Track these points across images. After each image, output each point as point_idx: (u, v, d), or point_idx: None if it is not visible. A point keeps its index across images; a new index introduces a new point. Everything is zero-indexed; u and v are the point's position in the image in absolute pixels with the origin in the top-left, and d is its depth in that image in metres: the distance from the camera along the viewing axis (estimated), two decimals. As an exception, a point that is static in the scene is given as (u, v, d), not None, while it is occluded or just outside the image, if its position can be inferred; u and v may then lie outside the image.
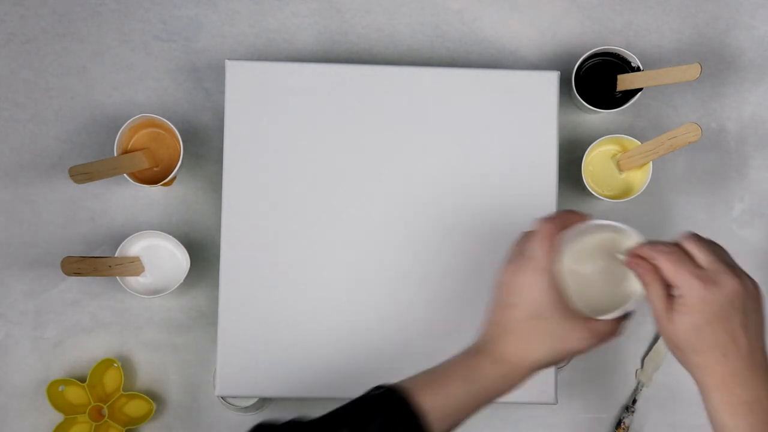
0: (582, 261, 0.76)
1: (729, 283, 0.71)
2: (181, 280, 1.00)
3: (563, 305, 0.73)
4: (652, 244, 0.73)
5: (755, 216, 1.09)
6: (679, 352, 0.72)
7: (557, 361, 0.75)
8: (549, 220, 0.74)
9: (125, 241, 1.01)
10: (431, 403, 0.71)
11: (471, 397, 0.73)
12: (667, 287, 0.71)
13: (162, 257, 1.02)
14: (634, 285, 0.75)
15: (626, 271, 0.75)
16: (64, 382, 1.03)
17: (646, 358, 1.07)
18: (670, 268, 0.71)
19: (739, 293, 0.71)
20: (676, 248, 0.72)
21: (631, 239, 0.75)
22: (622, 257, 0.75)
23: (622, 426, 1.06)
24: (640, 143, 1.01)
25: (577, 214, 0.76)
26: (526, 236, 0.75)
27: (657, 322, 0.72)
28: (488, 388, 0.74)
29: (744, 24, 1.10)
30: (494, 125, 0.98)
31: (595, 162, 1.05)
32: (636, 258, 0.73)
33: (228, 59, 0.98)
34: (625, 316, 0.75)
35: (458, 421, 0.73)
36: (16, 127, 1.07)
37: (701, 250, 0.73)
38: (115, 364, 1.04)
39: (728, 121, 1.10)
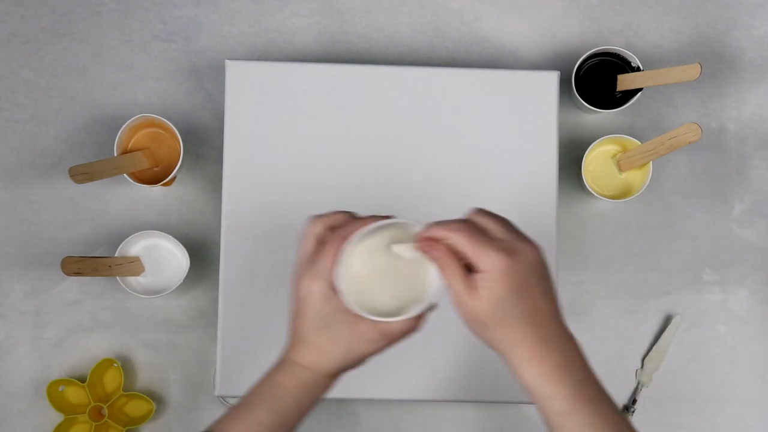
0: (364, 266, 0.74)
1: (527, 251, 0.69)
2: (181, 280, 1.00)
3: (346, 312, 0.72)
4: (443, 223, 0.70)
5: (755, 216, 1.09)
6: (484, 329, 0.70)
7: (355, 364, 0.75)
8: (324, 222, 0.73)
9: (125, 241, 1.01)
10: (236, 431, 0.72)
11: (279, 413, 0.73)
12: (464, 265, 0.69)
13: (162, 257, 1.02)
14: (420, 282, 0.74)
15: (411, 270, 0.73)
16: (64, 382, 1.03)
17: (646, 358, 1.07)
18: (467, 243, 0.68)
19: (539, 260, 0.70)
20: (470, 223, 0.70)
21: (415, 230, 0.72)
22: (407, 252, 0.72)
23: (622, 426, 1.06)
24: (640, 143, 1.01)
25: (360, 220, 0.73)
26: (305, 237, 0.74)
27: (458, 303, 0.70)
28: (293, 401, 0.74)
29: (744, 24, 1.10)
30: (494, 125, 0.98)
31: (595, 162, 1.05)
32: (427, 240, 0.70)
33: (228, 59, 0.98)
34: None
35: None
36: (16, 127, 1.07)
37: (493, 223, 0.71)
38: (115, 364, 1.04)
39: (728, 121, 1.10)
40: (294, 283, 0.75)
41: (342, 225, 0.73)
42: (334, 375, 0.75)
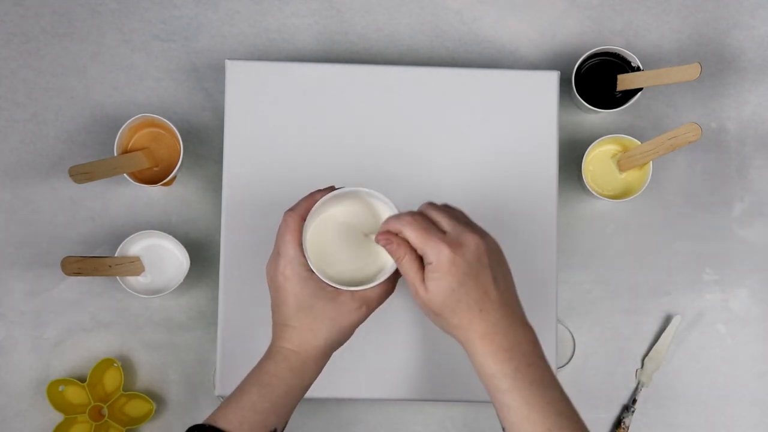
0: (327, 238, 0.78)
1: (473, 242, 0.73)
2: (181, 280, 1.00)
3: (324, 289, 0.76)
4: (397, 217, 0.75)
5: (755, 216, 1.09)
6: (438, 317, 0.74)
7: (342, 338, 0.78)
8: (291, 210, 0.77)
9: (125, 241, 1.01)
10: (232, 418, 0.74)
11: (270, 399, 0.76)
12: (419, 257, 0.73)
13: (162, 257, 1.02)
14: (383, 251, 0.78)
15: (372, 235, 0.78)
16: (64, 382, 1.03)
17: (646, 358, 1.07)
18: (417, 238, 0.73)
19: (484, 250, 0.74)
20: (421, 217, 0.74)
21: (363, 198, 0.78)
22: (370, 236, 0.77)
23: (622, 426, 1.06)
24: (640, 143, 1.01)
25: (318, 192, 0.78)
26: (279, 230, 0.78)
27: (414, 293, 0.74)
28: (285, 385, 0.76)
29: (744, 24, 1.10)
30: (494, 125, 0.98)
31: (595, 162, 1.05)
32: (385, 235, 0.74)
33: (228, 59, 0.98)
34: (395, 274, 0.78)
35: (271, 423, 0.75)
36: (16, 127, 1.07)
37: (442, 216, 0.75)
38: (115, 364, 1.04)
39: (728, 121, 1.10)
40: (269, 273, 0.78)
41: (298, 206, 0.77)
42: (324, 354, 0.78)
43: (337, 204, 0.79)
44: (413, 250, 0.74)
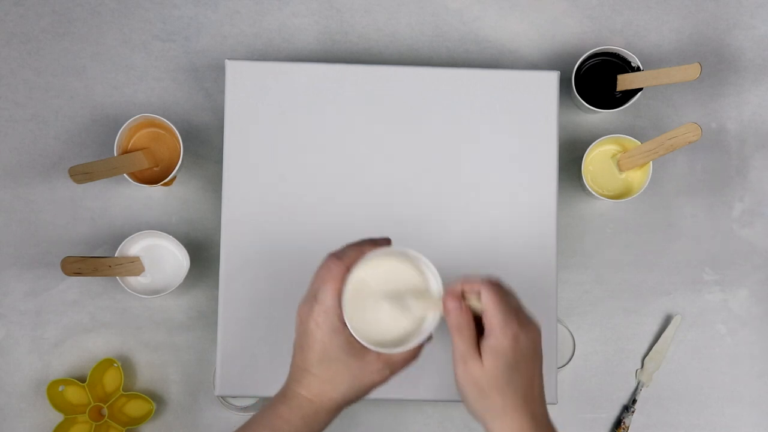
0: (366, 294, 0.74)
1: (534, 330, 0.73)
2: (181, 280, 1.00)
3: (353, 345, 0.73)
4: (471, 278, 0.73)
5: (755, 216, 1.09)
6: (479, 393, 0.72)
7: (360, 396, 0.76)
8: (337, 257, 0.74)
9: (125, 241, 1.01)
10: None
11: None
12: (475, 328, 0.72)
13: (162, 257, 1.02)
14: (424, 315, 0.75)
15: (414, 301, 0.74)
16: (64, 382, 1.03)
17: (646, 358, 1.07)
18: (496, 305, 0.71)
19: (539, 341, 0.73)
20: (499, 285, 0.73)
21: (410, 260, 0.75)
22: (407, 299, 0.74)
23: (622, 426, 1.06)
24: (640, 143, 1.01)
25: (367, 244, 0.75)
26: (320, 273, 0.74)
27: (461, 366, 0.72)
28: None
29: (744, 24, 1.10)
30: (494, 125, 0.98)
31: (595, 162, 1.05)
32: (456, 298, 0.72)
33: (228, 59, 0.98)
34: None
35: None
36: (16, 127, 1.07)
37: (509, 294, 0.73)
38: (115, 364, 1.04)
39: (728, 121, 1.10)
40: (301, 315, 0.75)
41: (345, 254, 0.74)
42: (338, 408, 0.76)
43: (383, 259, 0.75)
44: (472, 322, 0.72)
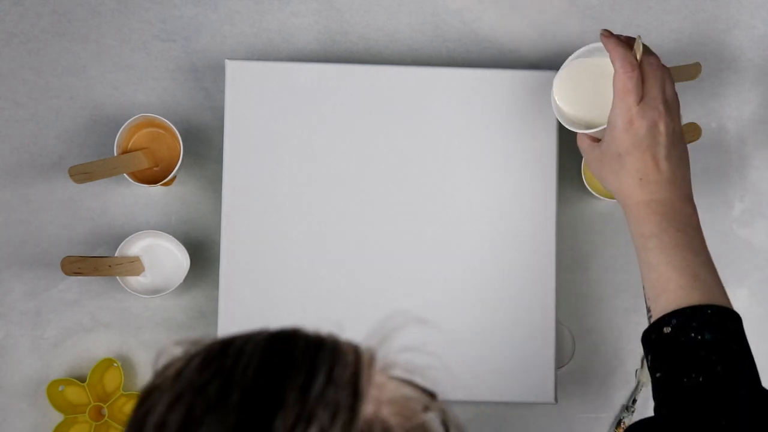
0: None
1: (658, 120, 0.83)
2: (181, 280, 1.00)
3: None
4: (627, 44, 0.83)
5: (755, 216, 1.09)
6: (639, 147, 0.81)
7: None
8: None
9: (125, 241, 1.01)
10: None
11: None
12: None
13: (162, 257, 1.02)
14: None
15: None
16: (64, 382, 1.03)
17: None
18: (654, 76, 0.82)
19: (662, 131, 0.82)
20: (636, 66, 0.82)
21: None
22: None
23: (622, 426, 1.06)
24: (640, 143, 1.01)
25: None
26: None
27: (624, 93, 0.81)
28: None
29: (744, 24, 1.10)
30: (494, 125, 0.98)
31: (595, 162, 1.05)
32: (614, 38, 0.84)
33: (228, 59, 0.98)
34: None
35: None
36: (16, 127, 1.07)
37: (659, 76, 0.83)
38: (115, 364, 1.04)
39: (728, 121, 1.10)
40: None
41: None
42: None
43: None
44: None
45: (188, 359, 0.49)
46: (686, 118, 1.09)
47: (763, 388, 0.76)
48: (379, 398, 0.48)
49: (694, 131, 0.97)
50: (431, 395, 0.55)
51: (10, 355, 1.05)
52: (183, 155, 1.00)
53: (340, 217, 0.96)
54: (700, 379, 0.73)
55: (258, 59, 1.08)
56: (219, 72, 1.06)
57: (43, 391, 1.03)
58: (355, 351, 0.49)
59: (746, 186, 1.09)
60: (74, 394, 1.03)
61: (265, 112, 0.97)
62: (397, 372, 0.51)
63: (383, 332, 0.52)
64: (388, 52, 1.09)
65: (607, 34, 0.84)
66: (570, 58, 0.91)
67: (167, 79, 1.08)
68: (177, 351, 0.50)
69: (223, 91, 1.00)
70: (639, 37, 0.84)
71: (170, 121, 1.01)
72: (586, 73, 0.89)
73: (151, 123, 1.02)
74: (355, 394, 0.46)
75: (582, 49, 0.90)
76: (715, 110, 1.10)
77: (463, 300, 0.96)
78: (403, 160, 0.97)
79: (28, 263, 1.05)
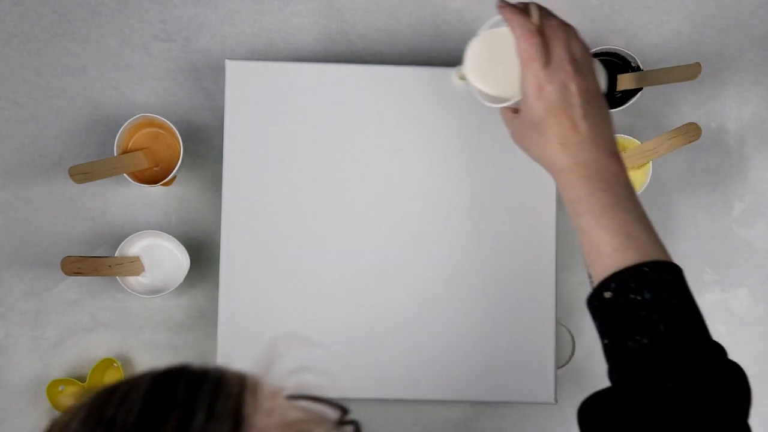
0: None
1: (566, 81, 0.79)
2: (181, 280, 1.00)
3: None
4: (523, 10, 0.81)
5: (755, 216, 1.09)
6: (553, 112, 0.78)
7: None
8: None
9: (125, 241, 1.01)
10: None
11: None
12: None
13: (162, 257, 1.02)
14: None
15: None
16: (64, 382, 1.03)
17: (646, 358, 1.07)
18: (559, 42, 0.80)
19: (574, 91, 0.79)
20: (536, 30, 0.80)
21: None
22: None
23: (622, 426, 1.05)
24: (639, 143, 1.01)
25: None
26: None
27: (527, 68, 0.79)
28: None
29: (744, 24, 1.10)
30: (494, 125, 0.98)
31: (595, 162, 1.05)
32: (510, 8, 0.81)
33: (228, 59, 0.98)
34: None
35: None
36: (16, 127, 1.07)
37: (562, 41, 0.80)
38: (115, 364, 1.04)
39: (728, 121, 1.10)
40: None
41: None
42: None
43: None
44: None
45: (73, 413, 0.49)
46: (686, 118, 1.09)
47: (712, 341, 0.73)
48: (266, 425, 0.47)
49: (694, 131, 0.97)
50: (343, 409, 0.53)
51: (10, 355, 1.05)
52: (183, 155, 1.00)
53: (341, 217, 0.96)
54: (645, 340, 0.71)
55: (258, 59, 1.08)
56: (219, 72, 1.06)
57: (43, 391, 1.03)
58: (240, 381, 0.48)
59: (746, 186, 1.09)
60: (74, 394, 1.03)
61: (265, 112, 0.97)
62: (290, 392, 0.50)
63: (269, 357, 0.51)
64: (388, 52, 1.09)
65: (503, 4, 0.81)
66: (475, 36, 0.87)
67: (167, 79, 1.08)
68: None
69: (223, 91, 1.00)
70: (533, 2, 0.82)
71: (170, 121, 1.01)
72: (494, 46, 0.85)
73: (151, 123, 1.02)
74: (237, 424, 0.46)
75: (485, 24, 0.86)
76: (715, 110, 1.10)
77: (463, 300, 0.96)
78: (403, 159, 0.97)
79: (28, 263, 1.05)
